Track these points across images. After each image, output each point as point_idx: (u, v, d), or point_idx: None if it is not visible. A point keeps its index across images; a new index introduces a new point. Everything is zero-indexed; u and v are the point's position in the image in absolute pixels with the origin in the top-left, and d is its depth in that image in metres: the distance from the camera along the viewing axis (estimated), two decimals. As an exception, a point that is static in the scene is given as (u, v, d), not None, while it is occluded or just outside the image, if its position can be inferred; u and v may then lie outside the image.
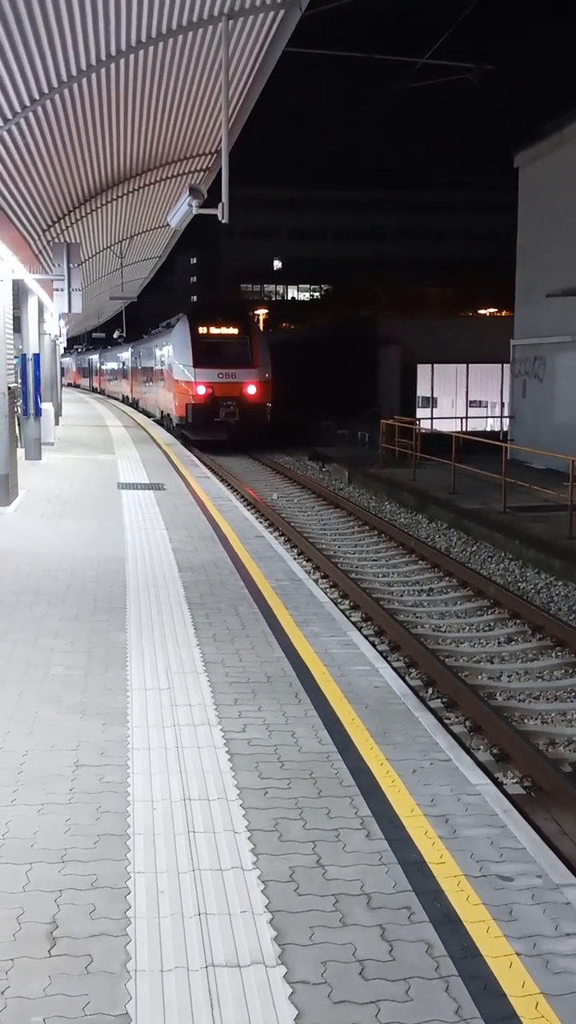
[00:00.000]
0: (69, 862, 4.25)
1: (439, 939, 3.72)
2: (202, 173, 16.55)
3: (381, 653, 9.27)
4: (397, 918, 3.86)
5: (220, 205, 10.15)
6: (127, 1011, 3.28)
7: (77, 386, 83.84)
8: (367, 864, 4.27)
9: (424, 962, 3.57)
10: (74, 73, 9.57)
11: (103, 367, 67.34)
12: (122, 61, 9.78)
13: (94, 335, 70.04)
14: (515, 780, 6.90)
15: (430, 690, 8.71)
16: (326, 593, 11.08)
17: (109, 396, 61.83)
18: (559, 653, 9.92)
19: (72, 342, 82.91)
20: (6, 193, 11.85)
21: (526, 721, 8.12)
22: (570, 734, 7.84)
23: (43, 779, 5.09)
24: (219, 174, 11.15)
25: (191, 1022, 3.23)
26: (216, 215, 10.20)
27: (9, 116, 9.68)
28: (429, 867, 4.26)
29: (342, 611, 9.72)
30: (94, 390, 72.70)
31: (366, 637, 9.67)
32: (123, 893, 4.01)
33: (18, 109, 9.66)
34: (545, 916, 3.89)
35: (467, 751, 6.79)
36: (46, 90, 9.64)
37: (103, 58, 9.54)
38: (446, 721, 7.88)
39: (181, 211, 10.45)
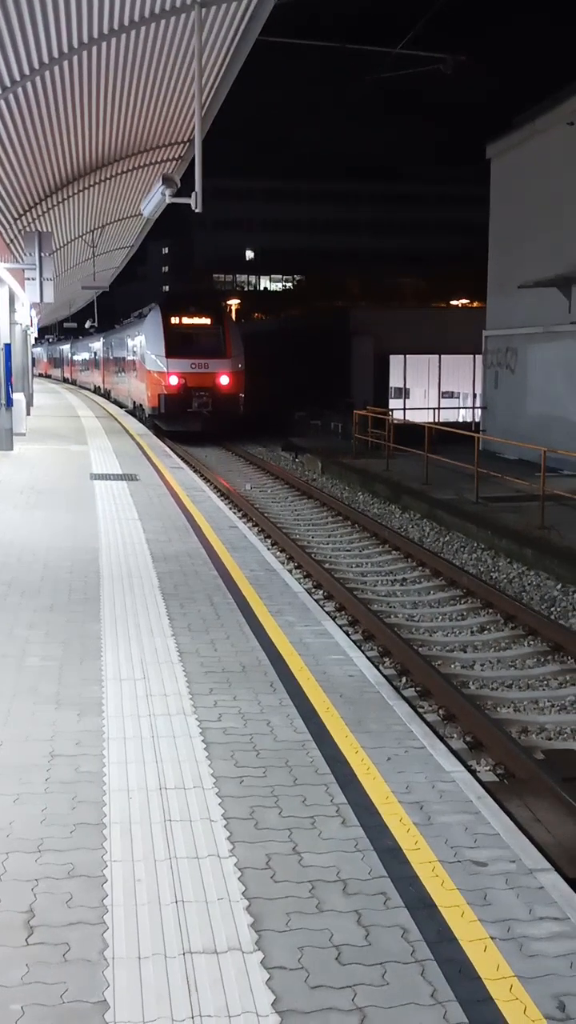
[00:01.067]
0: (45, 851, 4.25)
1: (414, 924, 3.75)
2: (175, 162, 16.49)
3: (355, 642, 9.32)
4: (373, 904, 3.89)
5: (193, 194, 10.12)
6: (105, 998, 3.29)
7: (48, 376, 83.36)
8: (343, 851, 4.30)
9: (400, 946, 3.61)
10: (45, 61, 9.50)
11: (75, 357, 67.00)
12: (94, 49, 9.71)
13: (65, 325, 69.64)
14: (488, 768, 6.95)
15: (404, 679, 8.76)
16: (300, 583, 11.09)
17: (81, 386, 61.53)
18: (531, 642, 10.00)
19: (44, 332, 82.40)
20: (-23, 181, 11.77)
21: (499, 709, 8.19)
22: (542, 722, 7.91)
23: (19, 769, 5.08)
24: (192, 163, 11.10)
25: (168, 1008, 3.25)
26: (189, 204, 10.18)
27: (-20, 104, 9.62)
28: (404, 853, 4.29)
29: (316, 601, 9.74)
30: (66, 380, 72.32)
31: (340, 627, 9.72)
32: (100, 882, 4.02)
33: (-11, 97, 9.59)
34: (519, 900, 3.93)
35: (441, 739, 6.85)
36: (17, 78, 9.56)
37: (75, 46, 9.48)
38: (420, 710, 7.93)
39: (154, 200, 10.40)
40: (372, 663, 7.40)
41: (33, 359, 55.35)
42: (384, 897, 3.94)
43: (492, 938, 3.67)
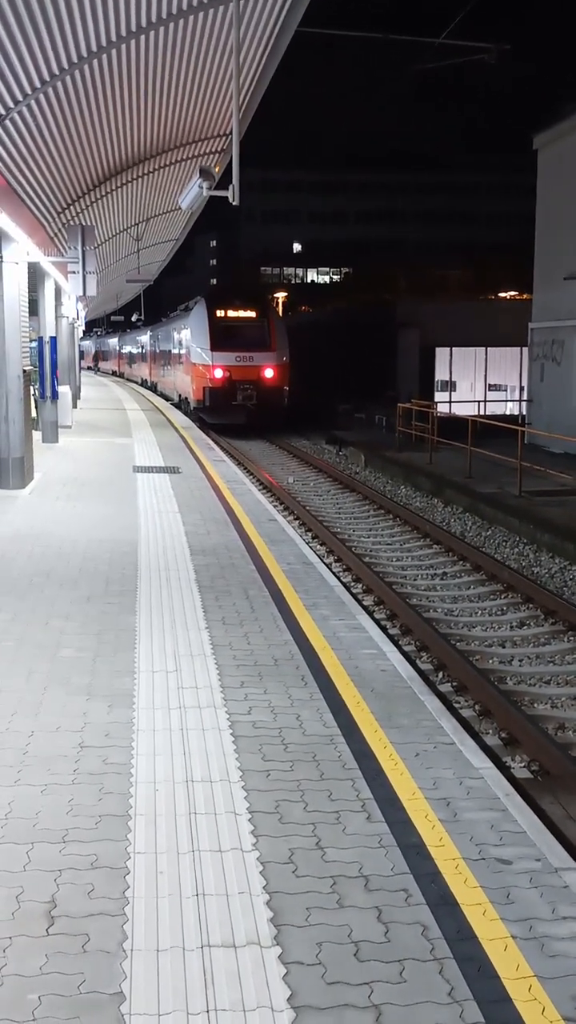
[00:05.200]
0: (70, 842, 4.28)
1: (435, 921, 3.72)
2: (217, 155, 16.49)
3: (392, 637, 9.28)
4: (394, 900, 3.87)
5: (231, 187, 10.12)
6: (121, 990, 3.30)
7: (97, 369, 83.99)
8: (366, 846, 4.28)
9: (419, 944, 3.58)
10: (84, 54, 9.53)
11: (122, 350, 67.45)
12: (133, 42, 9.74)
13: (113, 318, 70.06)
14: (523, 764, 6.89)
15: (440, 674, 8.70)
16: (338, 577, 11.07)
17: (128, 379, 61.92)
18: (571, 637, 9.88)
19: (92, 325, 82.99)
20: (19, 175, 11.84)
21: (536, 705, 8.11)
22: (579, 718, 7.81)
23: (47, 760, 5.12)
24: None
25: (184, 1001, 3.25)
26: (227, 197, 10.18)
27: (20, 98, 9.66)
28: (428, 850, 4.26)
29: (353, 595, 9.72)
30: (114, 373, 72.82)
31: (377, 621, 9.68)
32: (122, 873, 4.04)
33: (28, 91, 9.63)
34: (542, 899, 3.89)
35: (473, 735, 6.80)
36: (56, 71, 9.61)
37: (113, 39, 9.50)
38: (455, 705, 7.88)
39: (192, 193, 10.41)
40: (405, 657, 7.36)
41: (81, 352, 55.81)
42: (406, 894, 3.91)
43: (513, 937, 3.63)
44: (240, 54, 9.92)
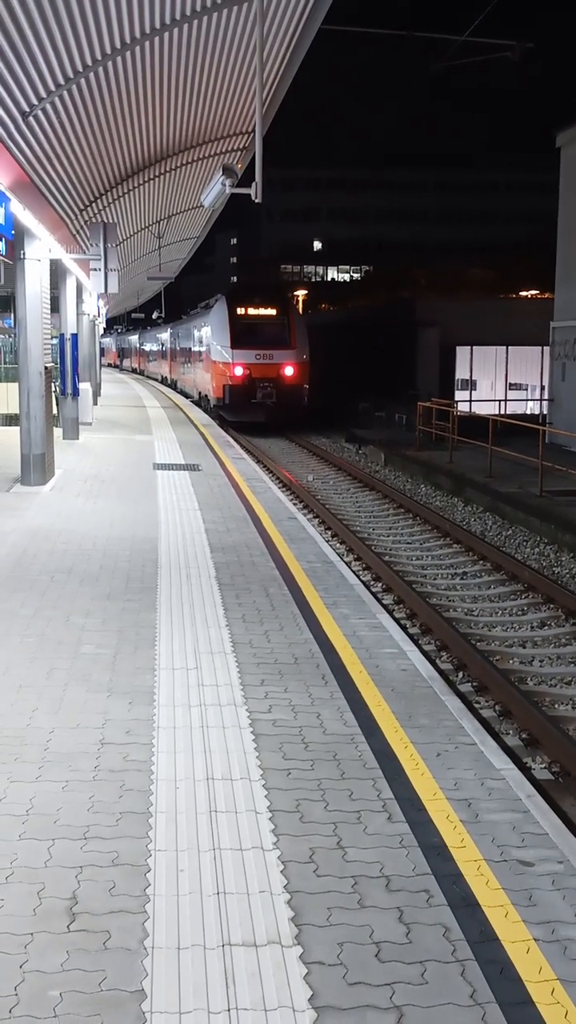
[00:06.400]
0: (91, 839, 4.28)
1: (457, 923, 3.70)
2: (239, 152, 16.47)
3: (412, 636, 9.26)
4: (415, 901, 3.85)
5: (253, 184, 10.10)
6: (142, 987, 3.30)
7: (118, 366, 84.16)
8: (387, 847, 4.26)
9: (441, 946, 3.56)
10: (108, 51, 9.54)
11: (143, 348, 67.59)
12: (156, 39, 9.73)
13: (133, 315, 70.22)
14: (544, 766, 6.85)
15: (460, 674, 8.67)
16: (358, 575, 11.05)
17: (148, 377, 62.03)
18: (592, 638, 9.82)
19: (112, 322, 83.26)
20: (42, 172, 11.86)
21: (557, 706, 8.07)
22: (601, 720, 7.76)
23: (68, 756, 5.12)
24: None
25: (205, 1000, 3.25)
26: (250, 194, 10.16)
27: (44, 95, 9.67)
28: (449, 851, 4.24)
29: (373, 593, 9.70)
30: (134, 371, 72.96)
31: (397, 620, 9.66)
32: (143, 871, 4.03)
33: (52, 88, 9.64)
34: (565, 902, 3.86)
35: (494, 735, 6.77)
36: (80, 68, 9.61)
37: (137, 36, 9.49)
38: (476, 705, 7.85)
39: (214, 191, 10.40)
40: (426, 657, 7.33)
41: (102, 349, 55.97)
42: (427, 895, 3.89)
43: (536, 940, 3.60)
44: (264, 51, 9.90)
